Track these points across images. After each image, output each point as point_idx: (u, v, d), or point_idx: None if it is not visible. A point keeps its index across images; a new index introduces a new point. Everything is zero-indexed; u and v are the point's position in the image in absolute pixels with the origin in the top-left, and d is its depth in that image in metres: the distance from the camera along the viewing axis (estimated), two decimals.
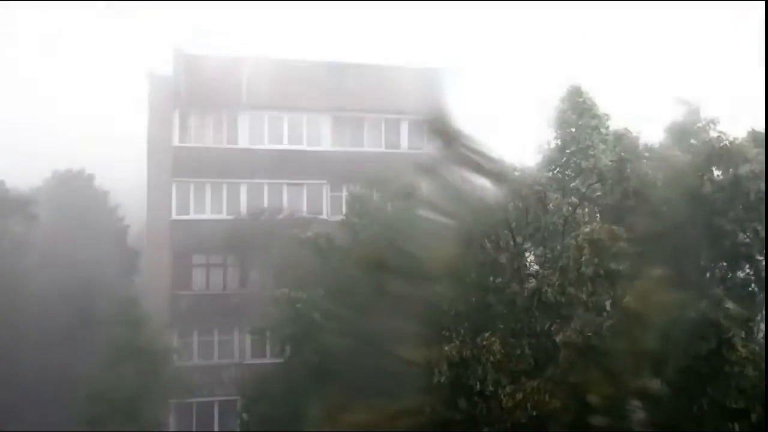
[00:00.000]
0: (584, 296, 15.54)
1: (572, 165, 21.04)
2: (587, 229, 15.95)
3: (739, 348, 16.37)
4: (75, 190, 36.09)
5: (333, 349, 17.70)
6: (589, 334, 15.17)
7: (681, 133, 22.34)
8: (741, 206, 18.90)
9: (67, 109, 40.83)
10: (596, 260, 15.41)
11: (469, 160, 17.68)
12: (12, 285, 27.42)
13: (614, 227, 15.83)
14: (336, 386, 17.42)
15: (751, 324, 18.60)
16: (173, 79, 31.09)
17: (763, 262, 19.29)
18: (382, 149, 32.08)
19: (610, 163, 18.21)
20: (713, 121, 22.20)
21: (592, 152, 20.35)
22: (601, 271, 15.40)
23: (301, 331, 20.67)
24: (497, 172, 16.77)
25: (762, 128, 20.60)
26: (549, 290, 15.73)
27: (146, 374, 25.07)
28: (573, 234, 16.33)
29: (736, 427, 16.59)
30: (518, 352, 16.01)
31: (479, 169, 17.42)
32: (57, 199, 34.01)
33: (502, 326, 16.75)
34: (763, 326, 18.74)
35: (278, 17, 65.47)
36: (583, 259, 15.57)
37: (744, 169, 18.85)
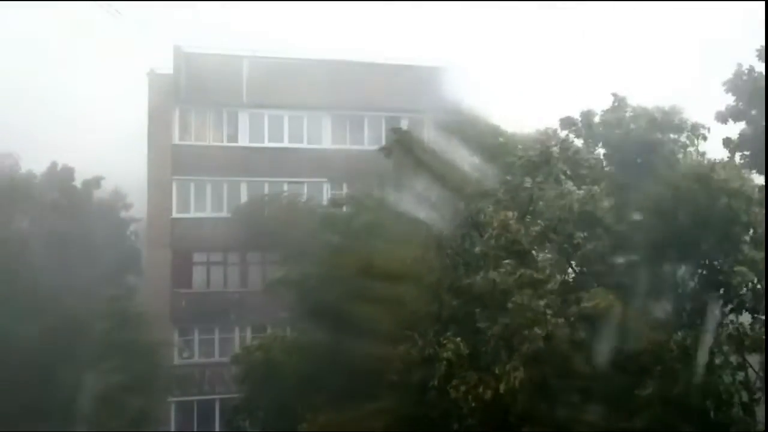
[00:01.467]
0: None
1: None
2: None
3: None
4: (67, 188, 35.81)
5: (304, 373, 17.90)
6: (514, 326, 15.34)
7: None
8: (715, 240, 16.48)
9: (66, 107, 40.68)
10: (492, 242, 16.06)
11: (432, 168, 17.96)
12: (10, 279, 27.24)
13: (509, 213, 16.28)
14: (310, 389, 17.56)
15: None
16: (173, 76, 31.06)
17: None
18: None
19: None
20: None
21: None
22: (491, 252, 15.92)
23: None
24: (458, 180, 17.02)
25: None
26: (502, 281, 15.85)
27: (139, 369, 24.93)
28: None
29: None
30: (483, 348, 16.04)
31: (442, 177, 17.69)
32: (52, 197, 33.78)
33: (481, 325, 16.82)
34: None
35: (278, 15, 65.36)
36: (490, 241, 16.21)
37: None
